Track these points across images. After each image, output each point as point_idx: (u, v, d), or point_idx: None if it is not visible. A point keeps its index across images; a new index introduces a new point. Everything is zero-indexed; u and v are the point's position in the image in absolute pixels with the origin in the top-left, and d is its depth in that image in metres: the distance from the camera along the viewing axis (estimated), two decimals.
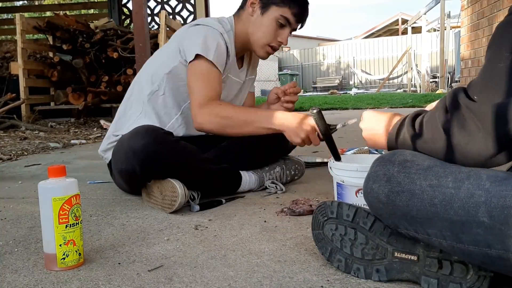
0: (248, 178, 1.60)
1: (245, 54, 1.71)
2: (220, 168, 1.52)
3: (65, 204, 0.94)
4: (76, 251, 0.97)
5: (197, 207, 1.41)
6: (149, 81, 1.60)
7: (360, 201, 1.17)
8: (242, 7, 1.61)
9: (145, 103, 1.59)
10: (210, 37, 1.49)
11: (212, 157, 1.55)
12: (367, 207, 0.89)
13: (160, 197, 1.42)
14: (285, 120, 1.41)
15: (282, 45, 1.60)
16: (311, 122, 1.38)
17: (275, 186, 1.63)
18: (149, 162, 1.36)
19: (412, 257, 0.82)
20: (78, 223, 0.97)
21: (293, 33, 1.60)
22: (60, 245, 0.95)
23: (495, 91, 0.71)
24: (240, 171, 1.59)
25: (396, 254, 0.84)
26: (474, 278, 0.75)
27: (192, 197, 1.44)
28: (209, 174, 1.48)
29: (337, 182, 1.30)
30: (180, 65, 1.53)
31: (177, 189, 1.35)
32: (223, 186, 1.55)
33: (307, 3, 1.59)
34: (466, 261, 0.76)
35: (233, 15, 1.64)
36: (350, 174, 1.25)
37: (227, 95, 1.65)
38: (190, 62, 1.48)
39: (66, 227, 0.95)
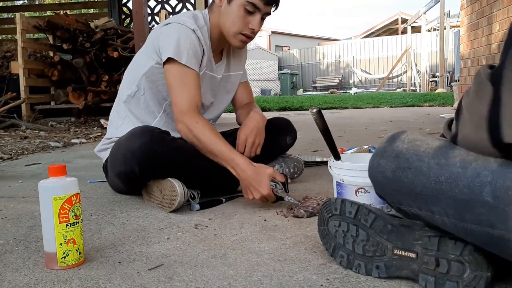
0: None
1: (224, 48, 1.67)
2: (219, 165, 1.52)
3: (65, 203, 0.95)
4: (76, 250, 0.97)
5: (197, 206, 1.42)
6: (128, 83, 1.63)
7: (359, 200, 1.17)
8: None
9: (126, 106, 1.63)
10: (183, 37, 1.46)
11: None
12: (369, 205, 0.90)
13: (159, 196, 1.42)
14: (245, 173, 1.37)
15: (255, 32, 1.53)
16: (268, 184, 1.37)
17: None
18: (147, 162, 1.36)
19: (411, 255, 0.82)
20: (78, 222, 0.97)
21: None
22: (61, 244, 0.95)
23: None
24: None
25: (395, 251, 0.84)
26: (470, 277, 0.75)
27: (192, 196, 1.44)
28: (208, 172, 1.47)
29: (336, 181, 1.30)
30: (156, 64, 1.52)
31: (176, 188, 1.35)
32: (222, 184, 1.55)
33: None
34: (468, 241, 0.75)
35: (207, 8, 1.61)
36: (349, 173, 1.26)
37: (204, 91, 1.62)
38: (165, 64, 1.47)
39: (66, 226, 0.95)
